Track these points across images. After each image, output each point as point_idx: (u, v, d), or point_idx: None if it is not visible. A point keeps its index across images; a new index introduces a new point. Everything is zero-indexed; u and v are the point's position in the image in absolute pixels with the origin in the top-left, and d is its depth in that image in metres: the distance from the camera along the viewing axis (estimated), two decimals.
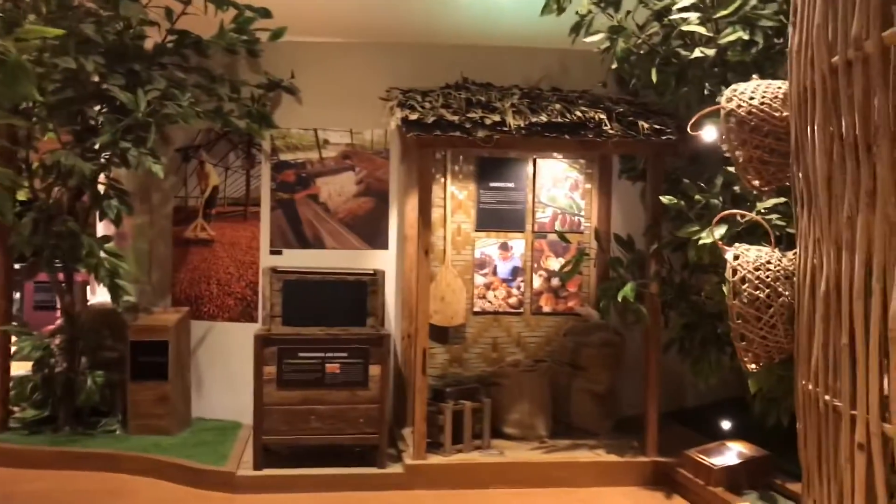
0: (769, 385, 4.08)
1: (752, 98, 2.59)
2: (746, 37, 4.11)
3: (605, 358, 5.35)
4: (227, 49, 5.39)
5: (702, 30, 4.18)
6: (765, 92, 2.59)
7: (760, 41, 4.18)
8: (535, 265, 5.72)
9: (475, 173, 5.67)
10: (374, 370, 4.75)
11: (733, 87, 2.68)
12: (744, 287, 2.33)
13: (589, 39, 4.59)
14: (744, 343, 2.35)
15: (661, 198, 4.36)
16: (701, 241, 4.08)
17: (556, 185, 5.73)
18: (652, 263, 4.78)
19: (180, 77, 5.25)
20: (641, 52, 4.46)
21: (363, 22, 5.36)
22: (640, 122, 4.63)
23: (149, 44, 5.27)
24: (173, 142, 5.75)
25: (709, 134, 3.25)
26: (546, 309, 5.73)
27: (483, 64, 5.46)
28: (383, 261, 5.59)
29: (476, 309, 5.66)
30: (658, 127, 4.62)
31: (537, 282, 5.72)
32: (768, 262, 2.38)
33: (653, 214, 4.82)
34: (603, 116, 4.61)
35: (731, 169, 4.25)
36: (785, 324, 2.35)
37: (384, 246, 5.64)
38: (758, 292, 2.32)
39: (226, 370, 5.67)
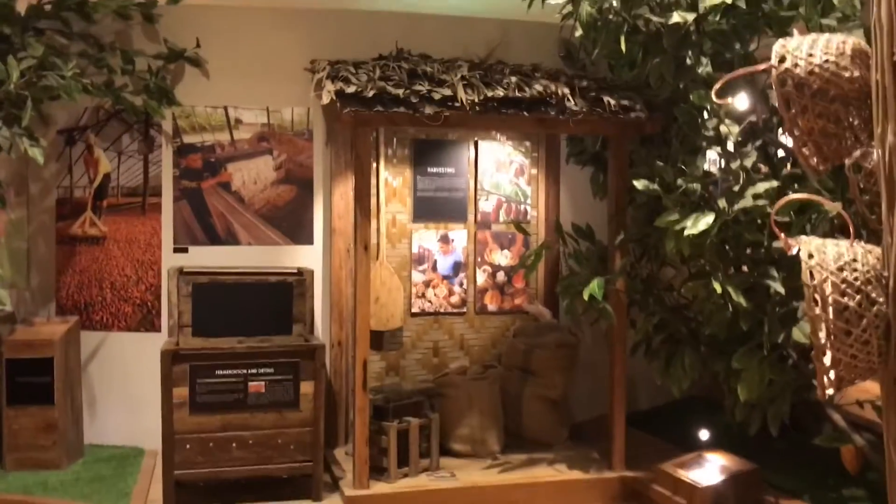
0: (760, 391, 3.66)
1: (811, 55, 2.08)
2: (729, 0, 3.64)
3: (560, 360, 4.84)
4: (117, 13, 4.56)
5: None
6: (826, 48, 2.08)
7: (743, 4, 3.72)
8: (479, 259, 5.15)
9: (411, 157, 5.04)
10: (306, 388, 4.07)
11: (781, 42, 2.15)
12: (827, 293, 1.80)
13: (553, 1, 4.02)
14: (828, 365, 1.83)
15: (634, 182, 3.85)
16: (686, 232, 3.60)
17: (500, 170, 5.17)
18: (617, 256, 4.28)
19: (62, 43, 4.39)
20: (610, 17, 3.93)
21: None
22: (606, 98, 4.11)
23: (21, 5, 4.38)
24: (55, 122, 4.86)
25: (741, 102, 2.74)
26: (491, 308, 5.17)
27: (416, 35, 4.81)
28: (308, 258, 4.89)
29: (414, 310, 5.04)
30: (626, 103, 4.11)
31: (481, 278, 5.15)
32: (854, 261, 1.88)
33: (617, 202, 4.32)
34: (566, 91, 4.06)
35: (717, 149, 3.80)
36: (879, 339, 1.85)
37: (309, 241, 4.94)
38: (846, 299, 1.81)
39: (124, 388, 4.85)
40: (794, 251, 2.01)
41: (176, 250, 4.85)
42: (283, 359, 4.06)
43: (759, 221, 3.72)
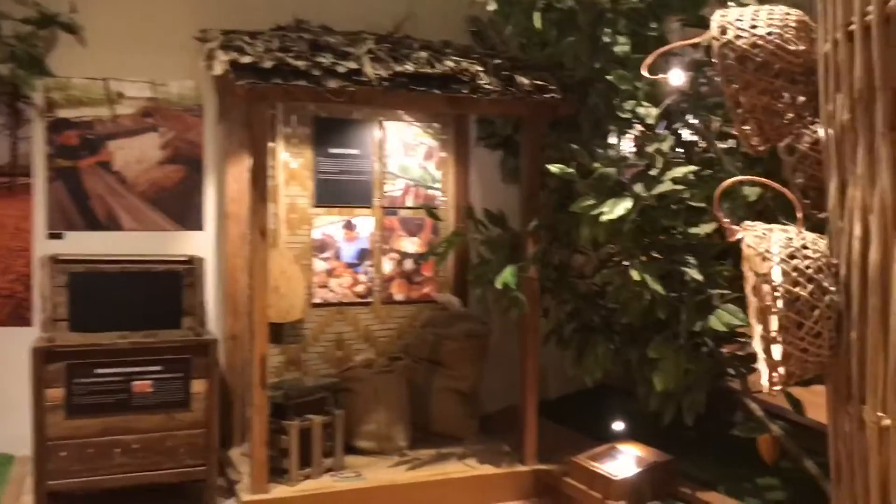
0: (676, 380, 3.57)
1: (754, 26, 1.93)
2: None
3: (471, 351, 4.66)
4: None
5: None
6: (770, 19, 1.93)
7: None
8: (386, 246, 4.89)
9: (312, 137, 4.72)
10: (199, 386, 3.73)
11: (720, 12, 2.00)
12: (777, 283, 1.65)
13: None
14: (778, 359, 1.69)
15: (550, 167, 3.68)
16: (604, 218, 3.45)
17: (408, 152, 4.92)
18: (529, 243, 4.12)
19: None
20: None
21: None
22: (520, 78, 3.92)
23: None
24: None
25: (676, 78, 2.58)
26: (398, 297, 4.93)
27: (316, 6, 4.46)
28: (198, 244, 4.52)
29: (316, 300, 4.74)
30: (540, 83, 3.93)
31: (388, 266, 4.89)
32: (804, 248, 1.73)
33: (529, 187, 4.15)
34: (479, 69, 3.85)
35: (634, 132, 3.68)
36: (831, 331, 1.72)
37: (198, 226, 4.56)
38: (798, 289, 1.66)
39: None
40: (738, 237, 1.86)
41: (50, 236, 4.38)
42: (172, 355, 3.70)
43: (674, 207, 3.63)
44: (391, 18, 4.65)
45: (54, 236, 4.38)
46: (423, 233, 4.97)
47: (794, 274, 1.70)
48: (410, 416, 4.54)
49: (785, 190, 1.85)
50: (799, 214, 1.80)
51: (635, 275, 3.44)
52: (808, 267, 1.72)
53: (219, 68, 3.53)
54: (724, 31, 1.96)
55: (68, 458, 3.55)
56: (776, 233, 1.78)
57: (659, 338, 3.56)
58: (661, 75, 2.64)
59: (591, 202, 3.58)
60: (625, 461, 3.85)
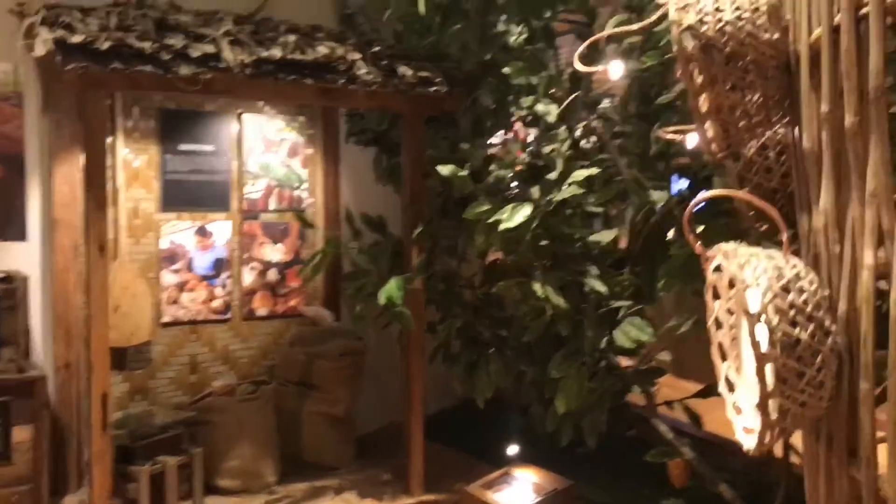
0: (579, 400, 3.29)
1: (718, 9, 1.61)
2: None
3: (345, 371, 4.20)
4: None
5: None
6: (736, 2, 1.62)
7: None
8: (246, 255, 4.34)
9: (157, 131, 4.10)
10: (22, 433, 3.09)
11: None
12: (774, 323, 1.35)
13: None
14: (775, 418, 1.38)
15: (440, 169, 3.30)
16: (502, 226, 3.11)
17: (270, 149, 4.39)
18: (414, 252, 3.73)
19: None
20: None
21: None
22: (402, 69, 3.51)
23: None
24: None
25: (615, 70, 2.24)
26: (261, 312, 4.39)
27: None
28: (21, 258, 3.79)
29: (166, 319, 4.13)
30: (425, 75, 3.54)
31: (249, 277, 4.35)
32: (798, 277, 1.43)
33: (412, 189, 3.75)
34: (356, 56, 3.40)
35: (529, 130, 3.35)
36: (832, 380, 1.43)
37: (21, 236, 3.83)
38: (797, 331, 1.36)
39: None
40: (714, 264, 1.54)
41: None
42: None
43: (568, 212, 3.35)
44: None
45: None
46: (289, 239, 4.46)
47: (792, 312, 1.40)
48: (279, 447, 4.04)
49: (765, 205, 1.55)
50: (783, 237, 1.50)
51: (538, 288, 3.12)
52: (805, 302, 1.42)
53: (41, 48, 2.89)
54: (681, 11, 1.63)
55: None
56: (761, 259, 1.47)
57: (559, 355, 3.27)
58: (598, 67, 2.31)
59: (485, 208, 3.23)
60: (522, 489, 3.55)
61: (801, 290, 1.43)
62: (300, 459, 4.15)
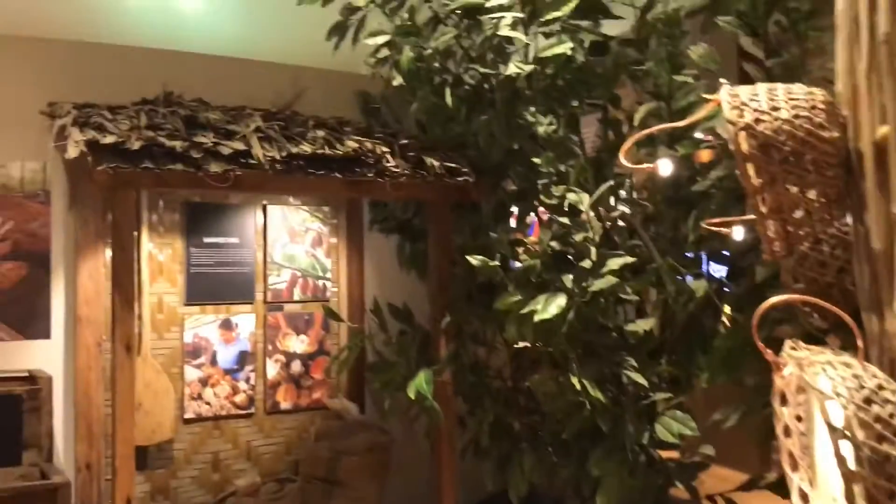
0: (620, 498, 3.16)
1: (775, 108, 1.58)
2: (570, 52, 3.21)
3: (372, 466, 4.07)
4: None
5: (521, 36, 3.19)
6: (793, 100, 1.59)
7: (580, 58, 3.32)
8: (270, 347, 4.27)
9: (182, 224, 4.09)
10: None
11: (728, 89, 1.65)
12: (860, 439, 1.26)
13: (370, 41, 3.36)
14: None
15: (471, 259, 3.25)
16: (537, 317, 3.04)
17: (295, 239, 4.36)
18: (442, 343, 3.65)
19: None
20: (434, 64, 3.35)
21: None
22: (430, 160, 3.50)
23: None
24: None
25: (665, 168, 2.21)
26: (285, 405, 4.29)
27: (186, 79, 3.85)
28: (44, 357, 3.74)
29: (188, 415, 4.04)
30: (452, 166, 3.53)
31: (273, 369, 4.27)
32: (880, 388, 1.35)
33: (440, 278, 3.71)
34: (385, 150, 3.40)
35: (562, 220, 3.31)
36: None
37: (45, 334, 3.78)
38: (885, 447, 1.27)
39: None
40: (787, 372, 1.46)
41: None
42: None
43: (602, 301, 3.28)
44: (273, 92, 4.15)
45: None
46: (313, 329, 4.39)
47: (878, 426, 1.32)
48: None
49: (841, 313, 1.48)
50: (859, 343, 1.43)
51: (575, 382, 3.02)
52: (892, 415, 1.34)
53: (73, 150, 2.89)
54: (738, 110, 1.60)
55: None
56: (838, 367, 1.40)
57: (600, 451, 3.15)
58: (646, 165, 2.28)
59: (517, 298, 3.16)
60: None
61: (886, 401, 1.35)
62: None
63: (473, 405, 3.76)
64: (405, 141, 3.58)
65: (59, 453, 3.67)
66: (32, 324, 3.76)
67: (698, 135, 2.80)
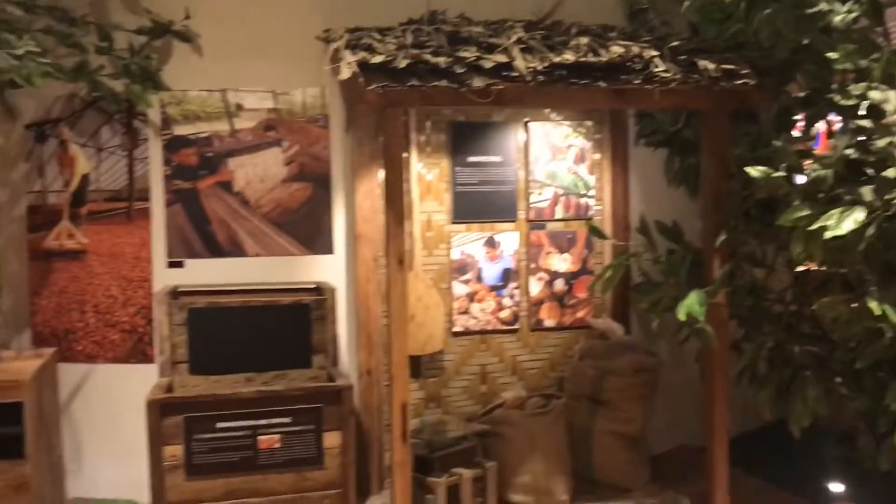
0: None
1: None
2: None
3: (639, 388, 3.98)
4: None
5: None
6: None
7: None
8: (533, 265, 4.28)
9: (447, 144, 4.17)
10: (332, 439, 3.26)
11: None
12: None
13: None
14: None
15: (750, 170, 2.96)
16: (829, 234, 2.71)
17: (557, 156, 4.29)
18: (716, 262, 3.41)
19: (17, 15, 3.55)
20: None
21: None
22: (703, 62, 3.21)
23: None
24: (21, 114, 4.03)
25: None
26: (549, 323, 4.30)
27: None
28: (328, 270, 4.05)
29: (456, 328, 4.19)
30: (729, 68, 3.21)
31: (536, 287, 4.28)
32: None
33: (714, 194, 3.44)
34: (653, 54, 3.17)
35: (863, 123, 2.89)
36: None
37: (328, 250, 4.09)
38: None
39: (114, 431, 4.03)
40: None
41: (170, 265, 4.02)
42: (302, 404, 3.23)
43: None
44: (535, 2, 4.02)
45: (174, 265, 4.02)
46: (576, 248, 4.33)
47: None
48: (571, 465, 3.91)
49: None
50: None
51: (874, 307, 2.67)
52: None
53: (346, 71, 3.01)
54: None
55: None
56: None
57: None
58: None
59: (805, 213, 2.84)
60: None
61: None
62: (592, 478, 3.99)
63: (750, 330, 3.50)
64: (676, 43, 3.31)
65: (344, 359, 3.99)
66: (318, 240, 4.07)
67: None
